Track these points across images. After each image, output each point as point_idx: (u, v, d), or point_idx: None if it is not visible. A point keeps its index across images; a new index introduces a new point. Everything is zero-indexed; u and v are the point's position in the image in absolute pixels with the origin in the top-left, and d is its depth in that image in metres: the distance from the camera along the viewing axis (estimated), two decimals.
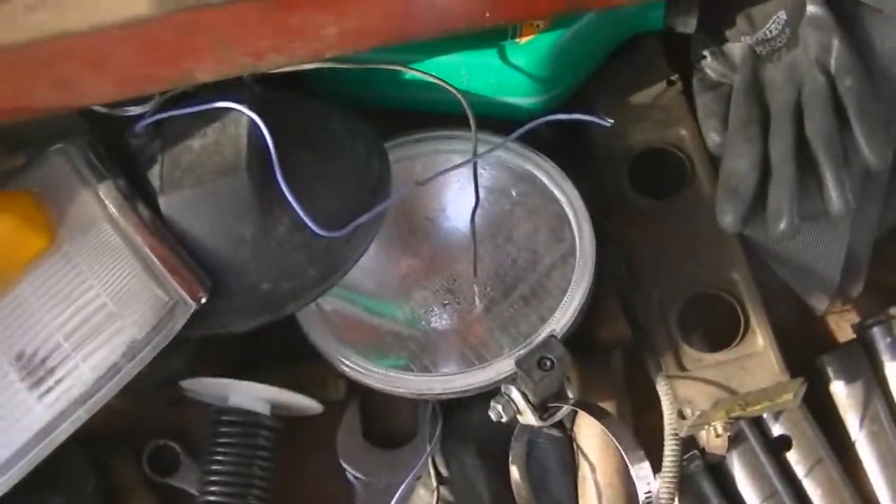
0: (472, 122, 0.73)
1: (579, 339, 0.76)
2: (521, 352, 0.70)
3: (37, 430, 0.66)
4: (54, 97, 0.67)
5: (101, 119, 0.74)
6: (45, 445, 0.66)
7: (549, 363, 0.70)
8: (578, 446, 0.78)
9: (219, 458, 0.75)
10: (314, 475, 0.81)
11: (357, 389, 0.79)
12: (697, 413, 0.72)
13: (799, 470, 0.78)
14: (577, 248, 0.74)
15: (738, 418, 0.75)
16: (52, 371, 0.67)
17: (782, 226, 0.72)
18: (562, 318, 0.72)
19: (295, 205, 0.68)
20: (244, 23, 0.65)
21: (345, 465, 0.79)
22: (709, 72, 0.81)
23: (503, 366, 0.72)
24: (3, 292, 0.69)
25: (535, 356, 0.70)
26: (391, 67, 0.75)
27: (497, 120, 0.77)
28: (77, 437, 0.68)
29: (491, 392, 0.73)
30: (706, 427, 0.75)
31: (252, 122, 0.70)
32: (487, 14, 0.70)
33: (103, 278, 0.68)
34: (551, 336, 0.71)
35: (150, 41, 0.65)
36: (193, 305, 0.68)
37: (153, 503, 0.78)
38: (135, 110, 0.74)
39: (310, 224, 0.68)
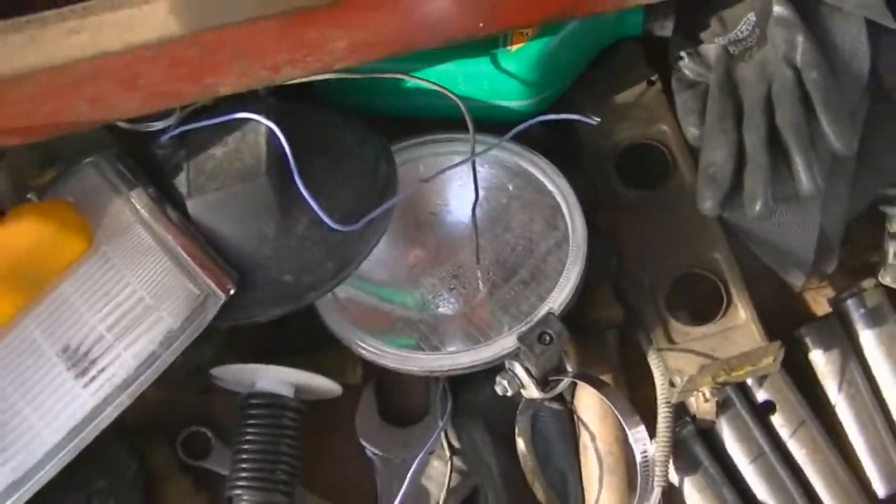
0: (469, 124, 0.81)
1: (576, 320, 0.84)
2: (523, 328, 0.78)
3: (83, 415, 0.74)
4: (91, 112, 0.75)
5: (126, 133, 0.83)
6: (92, 429, 0.74)
7: (548, 338, 0.78)
8: (579, 418, 0.86)
9: (248, 438, 0.82)
10: (336, 455, 0.89)
11: (372, 373, 0.88)
12: (686, 378, 0.80)
13: (783, 432, 0.87)
14: (570, 234, 0.83)
15: (724, 384, 0.84)
16: (95, 361, 0.75)
17: (758, 207, 0.80)
18: (558, 297, 0.80)
19: (312, 203, 0.76)
20: (263, 39, 0.73)
21: (364, 444, 0.87)
22: (686, 72, 0.89)
23: (506, 342, 0.79)
24: (48, 292, 0.77)
25: (536, 332, 0.78)
26: (395, 76, 0.83)
27: (492, 123, 0.85)
28: (117, 426, 0.75)
29: (496, 369, 0.81)
30: (695, 393, 0.83)
31: (270, 130, 0.78)
32: (481, 24, 0.78)
33: (140, 275, 0.76)
34: (550, 313, 0.79)
35: (177, 59, 0.73)
36: (223, 297, 0.76)
37: (188, 485, 0.86)
38: (157, 125, 0.82)
39: (326, 220, 0.76)
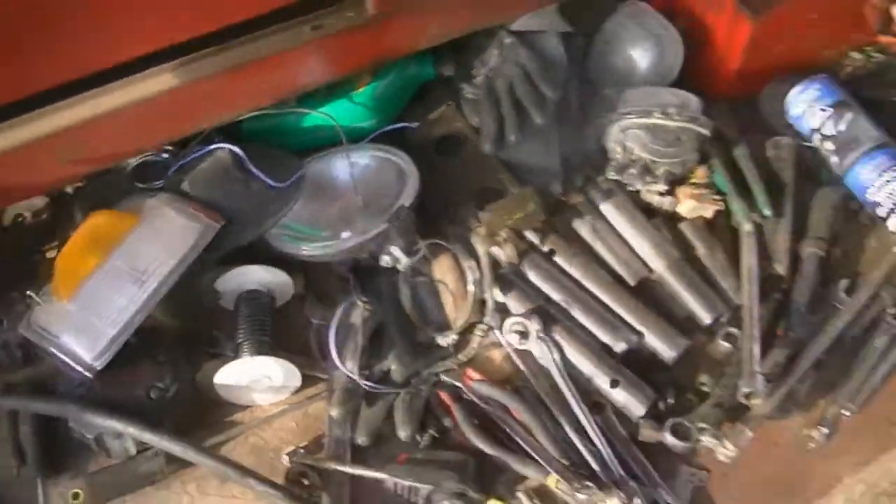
0: (341, 135, 1.63)
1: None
2: (387, 216, 1.55)
3: (146, 296, 1.48)
4: (132, 144, 1.55)
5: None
6: (151, 306, 1.47)
7: (403, 213, 1.54)
8: (437, 280, 1.59)
9: (242, 314, 1.55)
10: (294, 327, 1.61)
11: (310, 284, 1.62)
12: (483, 222, 1.56)
13: (563, 263, 1.60)
14: (408, 174, 1.62)
15: (512, 229, 1.58)
16: (147, 269, 1.49)
17: (512, 137, 1.62)
18: (406, 200, 1.57)
19: (259, 174, 1.56)
20: (224, 88, 1.54)
21: (310, 318, 1.60)
22: (467, 94, 1.73)
23: (379, 228, 1.55)
24: (117, 247, 1.53)
25: (395, 214, 1.54)
26: (301, 112, 1.65)
27: (355, 138, 1.67)
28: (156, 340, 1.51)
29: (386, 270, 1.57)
30: (498, 239, 1.58)
31: (232, 150, 1.59)
32: (337, 70, 1.61)
33: (169, 224, 1.52)
34: (401, 204, 1.56)
35: (178, 103, 1.54)
36: (217, 226, 1.52)
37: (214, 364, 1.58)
38: (158, 185, 1.63)
39: (270, 182, 1.56)
